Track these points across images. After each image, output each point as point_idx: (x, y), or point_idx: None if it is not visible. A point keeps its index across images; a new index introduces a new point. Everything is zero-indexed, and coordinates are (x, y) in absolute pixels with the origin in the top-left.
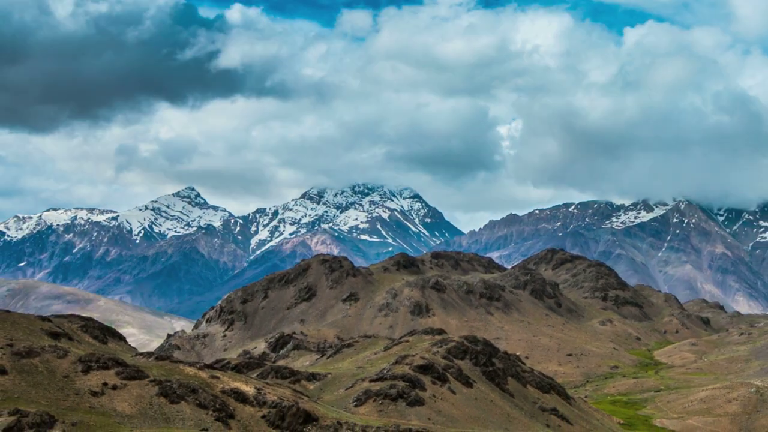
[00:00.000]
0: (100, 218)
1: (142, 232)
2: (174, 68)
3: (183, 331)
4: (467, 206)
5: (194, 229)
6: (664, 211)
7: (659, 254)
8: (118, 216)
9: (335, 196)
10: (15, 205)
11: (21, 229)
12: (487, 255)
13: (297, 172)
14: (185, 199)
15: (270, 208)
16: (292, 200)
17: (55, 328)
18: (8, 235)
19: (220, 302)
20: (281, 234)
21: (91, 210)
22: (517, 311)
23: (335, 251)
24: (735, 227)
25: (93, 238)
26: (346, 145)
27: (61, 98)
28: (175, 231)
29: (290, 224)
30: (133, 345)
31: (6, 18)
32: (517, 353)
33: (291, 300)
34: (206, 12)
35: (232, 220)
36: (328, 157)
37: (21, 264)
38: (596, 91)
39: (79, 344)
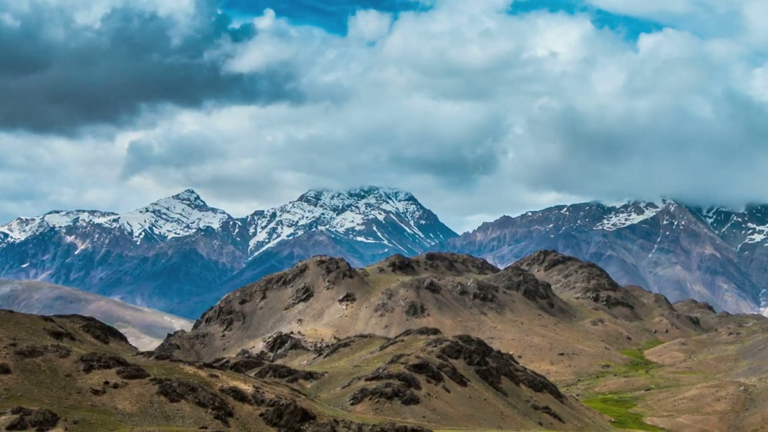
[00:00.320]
0: (102, 220)
1: (143, 233)
2: (191, 73)
3: (183, 331)
4: (461, 208)
5: (194, 231)
6: (654, 214)
7: (649, 255)
8: (119, 218)
9: (332, 198)
10: (25, 208)
11: (24, 230)
12: (481, 256)
13: (296, 174)
14: (185, 202)
15: (268, 211)
16: (290, 202)
17: (57, 327)
18: (11, 237)
19: (219, 302)
20: (279, 236)
21: (92, 212)
22: (510, 311)
23: (332, 253)
24: (723, 229)
25: (94, 239)
26: (345, 148)
27: (76, 102)
28: (175, 233)
29: (288, 226)
30: (133, 344)
31: (28, 23)
32: (510, 352)
33: (288, 300)
34: (228, 19)
35: (231, 222)
36: (326, 160)
37: (24, 265)
38: (600, 97)
39: (80, 344)
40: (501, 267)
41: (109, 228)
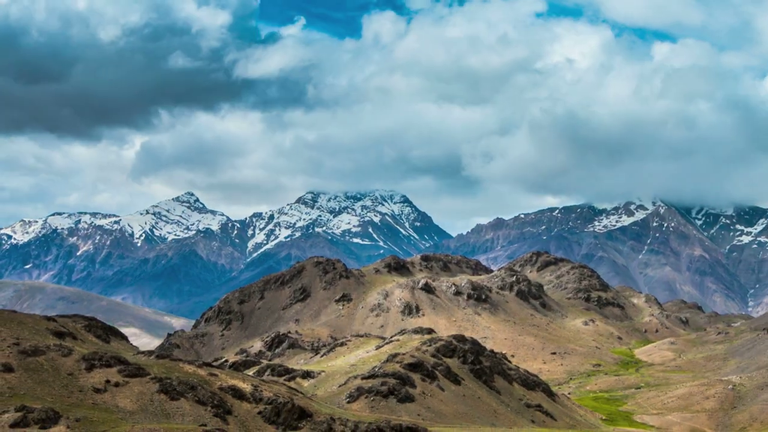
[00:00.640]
0: (103, 222)
1: (143, 235)
2: (210, 78)
3: (182, 331)
4: (456, 211)
5: (193, 232)
6: (644, 216)
7: (640, 257)
8: (120, 220)
9: (329, 201)
10: (38, 211)
11: (27, 232)
12: (475, 257)
13: (296, 177)
14: (184, 204)
15: (266, 213)
16: (288, 205)
17: (59, 327)
18: (15, 239)
19: (218, 303)
20: (277, 237)
21: (94, 214)
22: (503, 311)
23: (328, 254)
24: (712, 231)
25: (96, 241)
26: (345, 151)
27: (93, 108)
28: (175, 234)
29: (285, 228)
30: (134, 344)
31: (50, 30)
32: (504, 352)
33: (286, 300)
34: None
35: (230, 224)
36: (325, 162)
37: (27, 266)
38: (605, 103)
39: (82, 343)
40: (494, 268)
41: (110, 230)
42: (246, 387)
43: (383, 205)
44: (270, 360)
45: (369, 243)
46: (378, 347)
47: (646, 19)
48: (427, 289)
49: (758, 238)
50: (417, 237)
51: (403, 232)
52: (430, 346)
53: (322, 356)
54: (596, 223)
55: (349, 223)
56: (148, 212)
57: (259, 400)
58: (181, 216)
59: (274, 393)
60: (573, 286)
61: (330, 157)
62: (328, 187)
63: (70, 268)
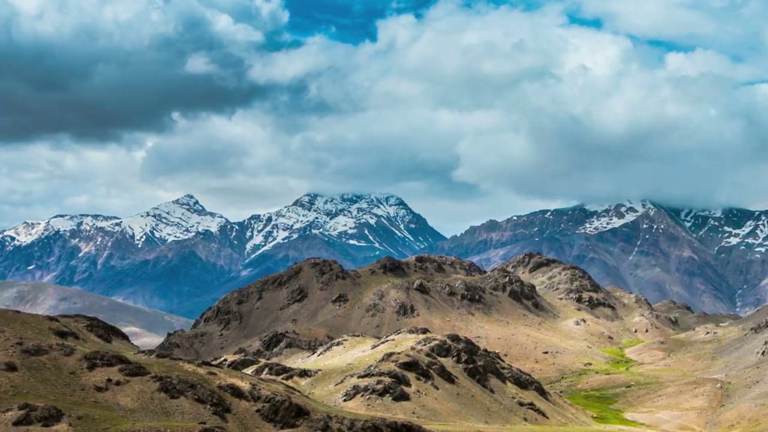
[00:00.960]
0: (104, 224)
1: (144, 237)
2: (225, 83)
3: (182, 330)
4: (450, 213)
5: (193, 234)
6: (635, 218)
7: (630, 258)
8: (121, 222)
9: (325, 203)
10: (50, 214)
11: (30, 234)
12: (469, 259)
13: (294, 180)
14: (184, 206)
15: (264, 215)
16: (285, 207)
17: (62, 327)
18: (18, 240)
19: (217, 303)
20: (275, 239)
21: (95, 216)
22: (496, 312)
23: (325, 255)
24: (701, 232)
25: (98, 242)
26: (345, 154)
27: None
28: (175, 236)
29: (283, 230)
30: (135, 343)
31: (66, 35)
32: (497, 351)
33: (284, 301)
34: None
35: (229, 226)
36: (324, 164)
37: (30, 267)
38: (609, 109)
39: (84, 343)
40: (487, 269)
41: (111, 231)
42: (244, 385)
43: (379, 207)
44: (268, 359)
45: (365, 244)
46: (374, 347)
47: (659, 30)
48: (422, 289)
49: (746, 240)
50: (412, 238)
51: (399, 233)
52: (424, 345)
53: (319, 355)
54: (587, 225)
55: (345, 225)
56: (148, 214)
57: (258, 399)
58: (180, 218)
59: (272, 391)
60: (565, 286)
61: (331, 160)
62: (325, 190)
63: (72, 269)
